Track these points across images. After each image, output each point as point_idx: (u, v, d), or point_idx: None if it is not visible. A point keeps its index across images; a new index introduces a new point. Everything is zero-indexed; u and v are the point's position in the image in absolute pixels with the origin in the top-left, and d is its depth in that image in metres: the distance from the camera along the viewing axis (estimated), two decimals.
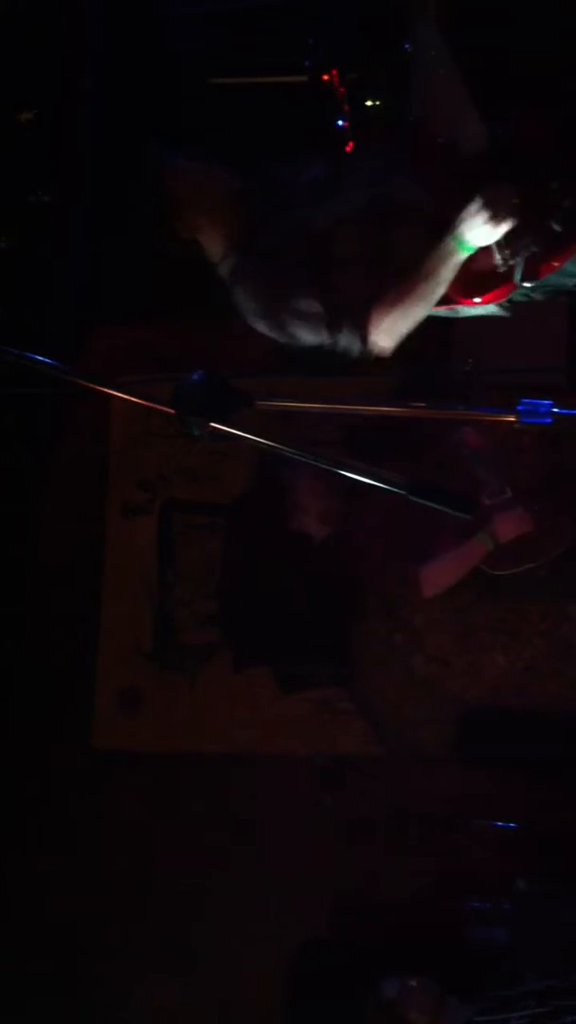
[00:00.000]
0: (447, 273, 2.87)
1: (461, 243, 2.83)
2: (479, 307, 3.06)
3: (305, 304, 2.93)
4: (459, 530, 4.12)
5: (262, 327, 3.03)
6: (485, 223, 2.80)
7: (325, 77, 4.53)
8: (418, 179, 2.98)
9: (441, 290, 2.89)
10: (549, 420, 1.94)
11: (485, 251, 2.91)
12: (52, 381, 1.98)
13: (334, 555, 4.52)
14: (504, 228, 2.83)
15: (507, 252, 2.91)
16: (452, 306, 3.05)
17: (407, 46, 3.05)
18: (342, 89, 4.51)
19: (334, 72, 4.52)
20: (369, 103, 4.56)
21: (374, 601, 4.74)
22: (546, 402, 1.94)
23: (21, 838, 4.78)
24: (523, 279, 2.95)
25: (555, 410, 1.95)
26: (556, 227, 2.92)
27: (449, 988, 3.95)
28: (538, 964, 3.97)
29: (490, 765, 4.53)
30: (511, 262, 2.93)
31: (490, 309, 3.09)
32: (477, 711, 4.66)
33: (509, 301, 3.07)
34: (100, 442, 5.03)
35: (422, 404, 2.16)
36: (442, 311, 3.05)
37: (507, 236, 2.87)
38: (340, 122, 4.51)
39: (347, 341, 2.94)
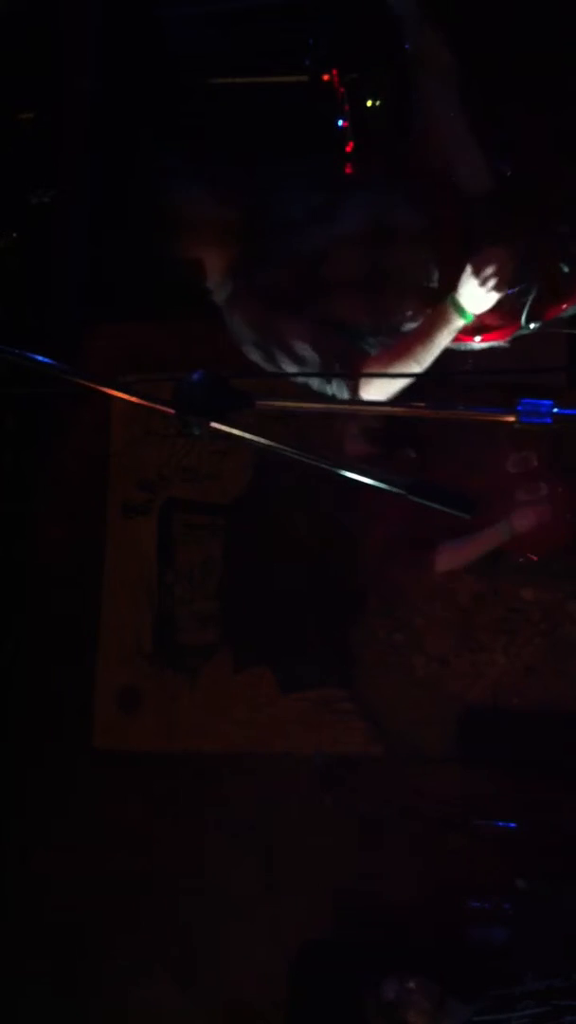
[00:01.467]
0: (444, 338, 2.82)
1: (462, 312, 2.78)
2: (482, 344, 3.03)
3: (298, 346, 2.91)
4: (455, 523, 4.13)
5: (255, 357, 3.00)
6: (483, 290, 2.76)
7: (325, 77, 4.53)
8: (416, 201, 2.95)
9: (435, 353, 2.83)
10: (549, 420, 1.94)
11: None
12: (52, 381, 1.98)
13: (334, 555, 4.51)
14: (502, 294, 2.78)
15: (514, 295, 2.85)
16: (456, 342, 3.01)
17: (407, 46, 3.03)
18: (342, 89, 4.50)
19: (334, 72, 4.51)
20: (369, 103, 4.55)
21: (374, 601, 4.74)
22: (546, 402, 1.94)
23: (21, 838, 4.78)
24: (528, 320, 2.92)
25: (555, 410, 1.94)
26: (564, 269, 2.88)
27: (449, 988, 3.95)
28: (538, 964, 3.97)
29: (490, 765, 4.53)
30: (518, 303, 2.88)
31: (492, 344, 3.06)
32: (477, 711, 4.66)
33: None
34: (100, 442, 5.03)
35: (422, 404, 2.16)
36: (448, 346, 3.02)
37: (515, 280, 2.81)
38: (340, 122, 4.50)
39: (336, 391, 2.90)
